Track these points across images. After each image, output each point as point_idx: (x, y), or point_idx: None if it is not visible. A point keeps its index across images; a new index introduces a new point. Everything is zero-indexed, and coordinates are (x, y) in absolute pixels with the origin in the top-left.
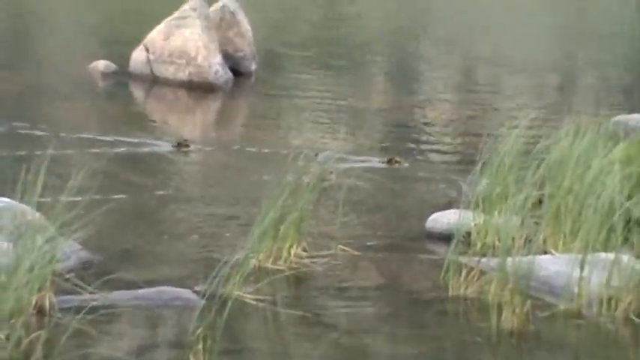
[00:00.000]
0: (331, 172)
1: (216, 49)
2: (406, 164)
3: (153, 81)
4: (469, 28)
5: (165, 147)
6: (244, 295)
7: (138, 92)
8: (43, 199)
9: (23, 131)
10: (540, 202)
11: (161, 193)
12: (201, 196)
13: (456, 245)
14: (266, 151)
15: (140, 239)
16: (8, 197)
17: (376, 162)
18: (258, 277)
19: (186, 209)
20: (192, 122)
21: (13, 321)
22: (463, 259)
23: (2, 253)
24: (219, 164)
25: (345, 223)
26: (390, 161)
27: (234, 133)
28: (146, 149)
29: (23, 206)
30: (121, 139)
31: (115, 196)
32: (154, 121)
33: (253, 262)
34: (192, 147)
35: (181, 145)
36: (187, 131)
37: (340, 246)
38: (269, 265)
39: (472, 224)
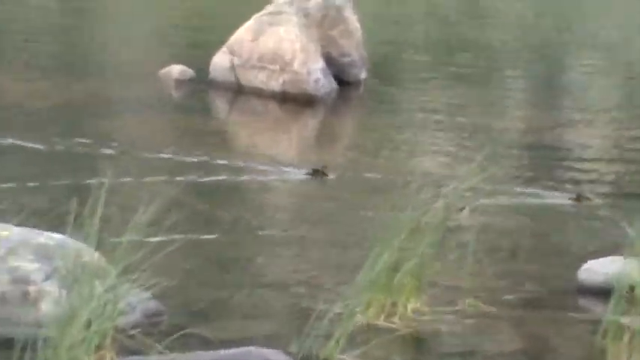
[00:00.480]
0: (462, 209)
1: (317, 52)
2: (598, 201)
3: (238, 90)
4: (634, 32)
5: (292, 174)
6: (349, 358)
7: (220, 104)
8: (104, 237)
9: (84, 150)
10: None
11: (250, 231)
12: (302, 235)
13: (617, 302)
14: (380, 179)
15: (221, 288)
16: (62, 233)
17: (527, 196)
18: (367, 337)
19: (282, 251)
20: (289, 143)
21: None
22: (625, 320)
23: (54, 302)
24: (324, 195)
25: (477, 272)
26: (578, 198)
27: (340, 157)
28: (245, 177)
29: (80, 244)
30: (205, 160)
31: (193, 235)
32: (243, 141)
33: (360, 317)
34: (331, 175)
35: (319, 172)
36: (284, 154)
37: (469, 300)
38: (380, 322)
39: (638, 276)
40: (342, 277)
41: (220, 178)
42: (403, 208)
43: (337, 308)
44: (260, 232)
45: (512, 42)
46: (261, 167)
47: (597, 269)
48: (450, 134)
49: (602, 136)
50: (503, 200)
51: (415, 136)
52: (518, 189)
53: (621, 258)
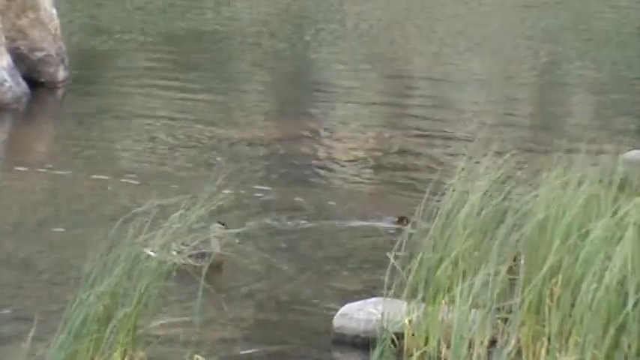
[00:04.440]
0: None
1: (1, 46)
2: (420, 224)
3: None
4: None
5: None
6: None
7: None
8: None
9: None
10: (512, 284)
11: None
12: None
13: (381, 355)
14: (82, 208)
15: None
16: None
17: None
18: None
19: None
20: None
21: None
22: None
23: None
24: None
25: (210, 322)
26: (400, 220)
27: (28, 186)
28: None
29: None
30: None
31: None
32: None
33: None
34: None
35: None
36: None
37: (197, 356)
38: None
39: (405, 321)
40: (38, 330)
41: None
42: (114, 243)
43: None
44: None
45: (253, 33)
46: None
47: (356, 314)
48: (177, 148)
49: (363, 146)
50: (247, 227)
51: (132, 152)
52: (268, 215)
53: (384, 300)
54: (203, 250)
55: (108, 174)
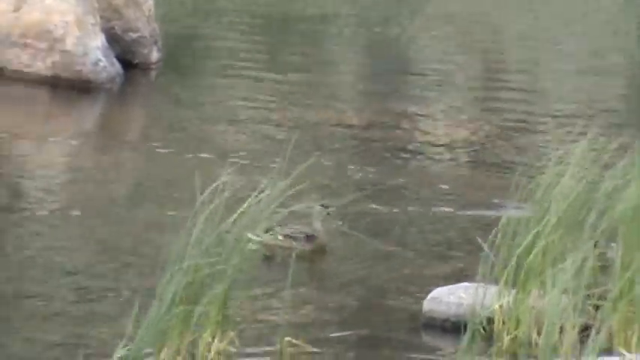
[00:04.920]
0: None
1: (96, 26)
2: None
3: None
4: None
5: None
6: None
7: None
8: None
9: None
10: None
11: None
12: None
13: (472, 339)
14: (175, 187)
15: None
16: None
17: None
18: None
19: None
20: (52, 146)
21: None
22: None
23: None
24: (100, 228)
25: (297, 305)
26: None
27: (122, 165)
28: None
29: None
30: None
31: None
32: None
33: None
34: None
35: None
36: (34, 167)
37: (288, 338)
38: None
39: (496, 306)
40: (125, 308)
41: None
42: (199, 215)
43: (121, 350)
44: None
45: (345, 20)
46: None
47: (446, 298)
48: (266, 131)
49: (453, 132)
50: (345, 210)
51: (222, 134)
52: (355, 199)
53: (474, 285)
54: (308, 233)
55: (200, 154)
